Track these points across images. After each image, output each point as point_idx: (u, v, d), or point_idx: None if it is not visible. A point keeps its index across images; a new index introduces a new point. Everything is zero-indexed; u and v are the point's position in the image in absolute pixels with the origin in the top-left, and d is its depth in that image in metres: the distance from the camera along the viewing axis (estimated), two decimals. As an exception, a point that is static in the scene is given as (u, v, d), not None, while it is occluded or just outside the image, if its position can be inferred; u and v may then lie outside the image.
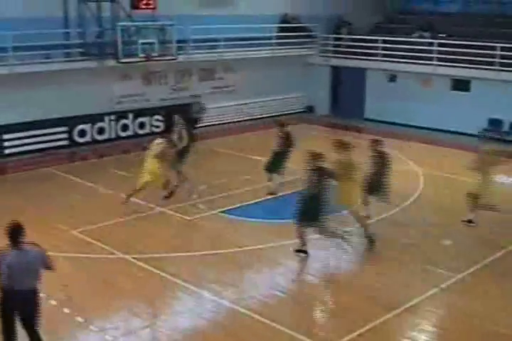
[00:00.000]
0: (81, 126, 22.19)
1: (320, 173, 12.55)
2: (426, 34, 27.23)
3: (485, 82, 24.18)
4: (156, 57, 22.11)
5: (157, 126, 23.96)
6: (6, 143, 20.54)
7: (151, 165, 15.56)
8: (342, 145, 13.73)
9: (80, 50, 21.77)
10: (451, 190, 18.04)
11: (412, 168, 19.93)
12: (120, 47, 21.20)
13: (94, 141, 22.62)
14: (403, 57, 26.08)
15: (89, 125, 22.40)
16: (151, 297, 11.52)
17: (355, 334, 10.20)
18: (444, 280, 12.09)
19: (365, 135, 25.64)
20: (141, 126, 23.63)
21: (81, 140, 22.31)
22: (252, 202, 16.67)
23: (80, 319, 10.61)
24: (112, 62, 21.74)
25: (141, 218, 15.34)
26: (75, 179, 18.55)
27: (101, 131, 22.77)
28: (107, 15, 21.64)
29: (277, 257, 13.33)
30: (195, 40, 24.13)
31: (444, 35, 26.64)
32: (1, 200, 15.92)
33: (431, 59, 25.52)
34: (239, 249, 13.53)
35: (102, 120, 22.77)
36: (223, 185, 17.76)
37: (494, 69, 23.99)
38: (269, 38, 27.11)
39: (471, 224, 15.05)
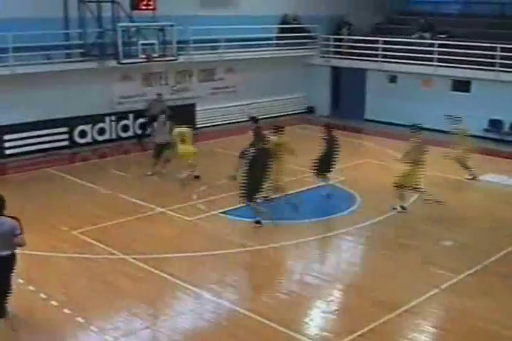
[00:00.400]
0: (81, 127, 22.22)
1: (261, 152, 14.61)
2: (426, 35, 27.23)
3: (485, 83, 24.19)
4: (156, 57, 22.13)
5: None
6: (7, 144, 20.56)
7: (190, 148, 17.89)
8: (277, 129, 16.08)
9: (81, 50, 21.78)
10: (452, 190, 18.07)
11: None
12: (120, 47, 21.24)
13: (95, 142, 22.62)
14: (404, 57, 26.08)
15: (90, 126, 22.42)
16: (152, 297, 11.51)
17: (356, 334, 10.17)
18: (445, 281, 12.07)
19: (365, 135, 25.77)
20: (142, 126, 23.57)
21: (81, 140, 22.32)
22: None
23: (80, 319, 10.58)
24: (112, 63, 21.76)
25: (141, 218, 15.34)
26: (75, 179, 18.55)
27: (101, 131, 22.78)
28: (108, 16, 21.67)
29: (278, 258, 13.33)
30: (196, 41, 24.15)
31: (445, 36, 26.67)
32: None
33: (431, 60, 25.52)
34: (239, 250, 13.52)
35: (103, 121, 22.79)
36: (224, 186, 17.71)
37: (494, 70, 24.01)
38: (270, 39, 27.13)
39: (404, 211, 15.85)
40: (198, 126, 24.85)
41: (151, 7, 21.95)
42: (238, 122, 25.21)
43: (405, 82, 26.62)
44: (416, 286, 11.95)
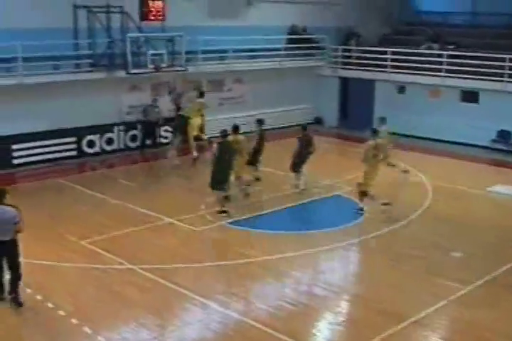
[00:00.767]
0: (90, 137, 22.24)
1: (225, 145, 16.15)
2: (435, 45, 27.26)
3: (493, 94, 24.16)
4: (165, 68, 22.20)
5: (165, 137, 23.99)
6: (15, 154, 20.58)
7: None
8: (235, 130, 17.01)
9: (90, 61, 21.85)
10: (460, 201, 18.03)
11: (420, 180, 19.88)
12: (129, 58, 21.31)
13: (103, 152, 22.67)
14: (412, 68, 26.09)
15: (98, 135, 22.46)
16: (159, 308, 11.50)
17: (364, 346, 10.17)
18: (453, 292, 12.04)
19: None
20: (144, 136, 23.57)
21: (90, 150, 22.34)
22: (260, 213, 16.68)
23: (87, 330, 10.57)
24: (121, 73, 21.82)
25: (149, 228, 15.35)
26: (83, 189, 18.58)
27: (110, 141, 22.82)
28: (117, 27, 21.75)
29: (285, 268, 13.30)
30: (204, 51, 24.22)
31: (453, 47, 26.68)
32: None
33: (440, 70, 25.52)
34: (247, 260, 13.50)
35: (111, 130, 22.83)
36: (232, 197, 17.75)
37: (503, 81, 23.99)
38: (278, 49, 27.18)
39: (361, 212, 16.43)
40: (206, 136, 24.82)
41: (160, 18, 22.03)
42: (246, 133, 25.19)
43: (414, 93, 26.61)
44: (424, 297, 11.91)
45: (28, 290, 11.80)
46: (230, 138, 16.46)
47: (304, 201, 17.31)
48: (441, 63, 25.61)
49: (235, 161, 16.51)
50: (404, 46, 27.39)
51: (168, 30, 22.39)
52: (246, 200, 17.42)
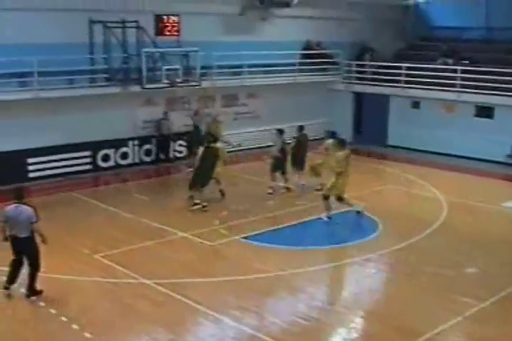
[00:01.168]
0: (105, 151, 22.35)
1: (210, 151, 17.79)
2: (449, 61, 27.24)
3: (508, 109, 24.05)
4: (179, 83, 22.29)
5: (180, 152, 24.05)
6: (31, 167, 20.70)
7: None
8: (214, 139, 18.49)
9: (105, 75, 22.00)
10: (475, 217, 17.93)
11: (435, 195, 19.80)
12: (144, 73, 21.43)
13: (118, 166, 22.75)
14: (426, 83, 26.07)
15: (113, 150, 22.56)
16: (172, 322, 11.47)
17: (378, 362, 10.09)
18: (468, 309, 11.94)
19: (387, 161, 25.67)
20: (159, 150, 23.69)
21: (104, 164, 22.45)
22: (274, 228, 16.65)
23: (100, 344, 10.59)
24: (136, 88, 21.94)
25: (163, 243, 15.36)
26: (98, 203, 18.64)
27: (124, 155, 22.91)
28: (132, 42, 21.88)
29: (299, 283, 13.25)
30: (219, 67, 24.33)
31: (467, 62, 26.64)
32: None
33: (454, 85, 25.47)
34: (260, 275, 13.47)
35: (126, 145, 22.92)
36: (246, 211, 17.76)
37: (518, 96, 23.92)
38: (293, 64, 27.24)
39: (326, 219, 17.08)
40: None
41: (175, 33, 22.15)
42: (260, 147, 25.23)
43: (428, 108, 26.56)
44: (439, 314, 11.83)
45: (42, 304, 11.83)
46: (217, 145, 18.13)
47: (319, 216, 17.26)
48: (455, 78, 25.57)
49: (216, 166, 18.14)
50: (419, 61, 27.38)
51: (183, 45, 22.49)
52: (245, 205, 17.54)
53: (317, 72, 28.32)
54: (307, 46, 28.39)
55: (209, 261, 14.63)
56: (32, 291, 12.14)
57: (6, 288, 12.15)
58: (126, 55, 21.87)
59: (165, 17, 21.94)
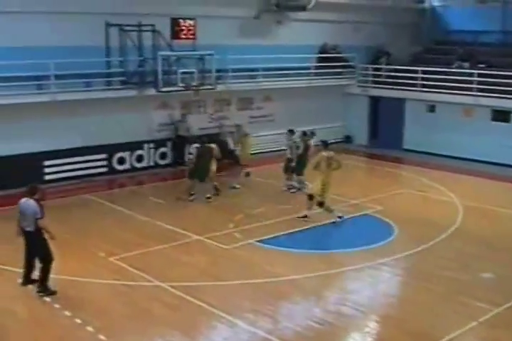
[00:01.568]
0: (120, 154, 22.43)
1: (205, 149, 19.01)
2: (465, 64, 27.13)
3: (525, 113, 23.96)
4: (195, 86, 22.33)
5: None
6: (47, 170, 20.80)
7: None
8: (211, 140, 19.61)
9: (121, 78, 22.07)
10: (491, 221, 17.84)
11: (451, 199, 19.73)
12: (160, 76, 21.47)
13: (133, 169, 22.82)
14: (443, 87, 25.97)
15: (129, 152, 22.63)
16: (186, 325, 11.48)
17: (392, 367, 10.05)
18: (483, 314, 11.87)
19: (403, 165, 25.61)
20: (176, 153, 23.73)
21: (120, 167, 22.52)
22: (289, 231, 16.62)
23: (114, 346, 10.61)
24: (151, 91, 22.00)
25: (177, 246, 15.38)
26: (113, 206, 18.71)
27: (140, 158, 22.98)
28: (148, 45, 21.95)
29: (313, 287, 13.24)
30: (234, 70, 24.36)
31: (484, 66, 26.52)
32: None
33: (470, 89, 25.36)
34: (275, 279, 13.45)
35: (141, 148, 22.99)
36: (260, 215, 17.75)
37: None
38: (308, 68, 27.24)
39: (306, 219, 17.17)
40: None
41: (191, 36, 22.21)
42: (276, 151, 25.21)
43: (444, 112, 26.46)
44: (454, 318, 11.77)
45: (57, 306, 11.87)
46: (212, 145, 19.18)
47: (333, 220, 17.23)
48: (471, 82, 25.46)
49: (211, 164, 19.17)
50: (435, 65, 27.30)
51: (199, 48, 22.53)
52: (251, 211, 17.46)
53: (333, 75, 28.30)
54: (323, 50, 28.37)
55: (224, 264, 14.62)
56: (43, 288, 12.32)
57: (24, 284, 12.64)
58: (142, 58, 21.96)
59: (181, 20, 21.99)
